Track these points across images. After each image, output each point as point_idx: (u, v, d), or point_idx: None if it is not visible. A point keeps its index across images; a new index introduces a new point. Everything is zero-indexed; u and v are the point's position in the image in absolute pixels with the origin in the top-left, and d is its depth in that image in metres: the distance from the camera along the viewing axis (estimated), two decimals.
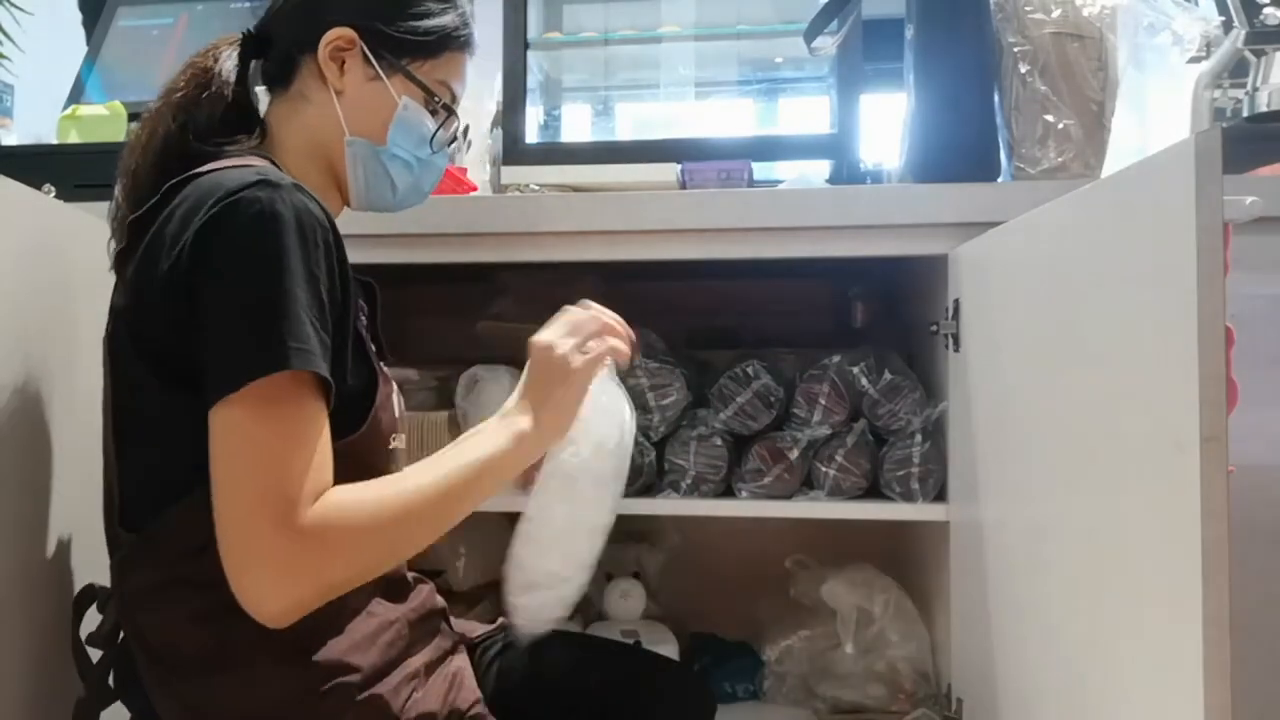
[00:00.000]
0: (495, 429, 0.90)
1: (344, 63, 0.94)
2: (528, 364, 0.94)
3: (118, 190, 0.92)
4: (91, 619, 0.95)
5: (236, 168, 0.84)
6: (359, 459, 0.83)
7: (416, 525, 0.82)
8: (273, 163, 0.90)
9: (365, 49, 0.94)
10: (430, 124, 0.99)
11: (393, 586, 0.92)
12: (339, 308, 0.81)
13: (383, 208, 1.02)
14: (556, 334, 0.94)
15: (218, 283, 0.76)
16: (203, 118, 0.91)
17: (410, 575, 0.95)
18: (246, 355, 0.74)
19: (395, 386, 0.94)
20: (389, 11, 0.95)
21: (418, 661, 0.90)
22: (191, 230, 0.77)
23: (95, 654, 0.93)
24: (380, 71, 0.95)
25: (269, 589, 0.74)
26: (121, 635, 0.90)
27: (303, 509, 0.73)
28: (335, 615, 0.84)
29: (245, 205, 0.76)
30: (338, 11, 0.94)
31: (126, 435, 0.86)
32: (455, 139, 1.05)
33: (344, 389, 0.81)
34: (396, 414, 0.94)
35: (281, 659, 0.81)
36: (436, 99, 0.98)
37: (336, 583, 0.77)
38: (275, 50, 0.97)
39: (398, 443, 0.94)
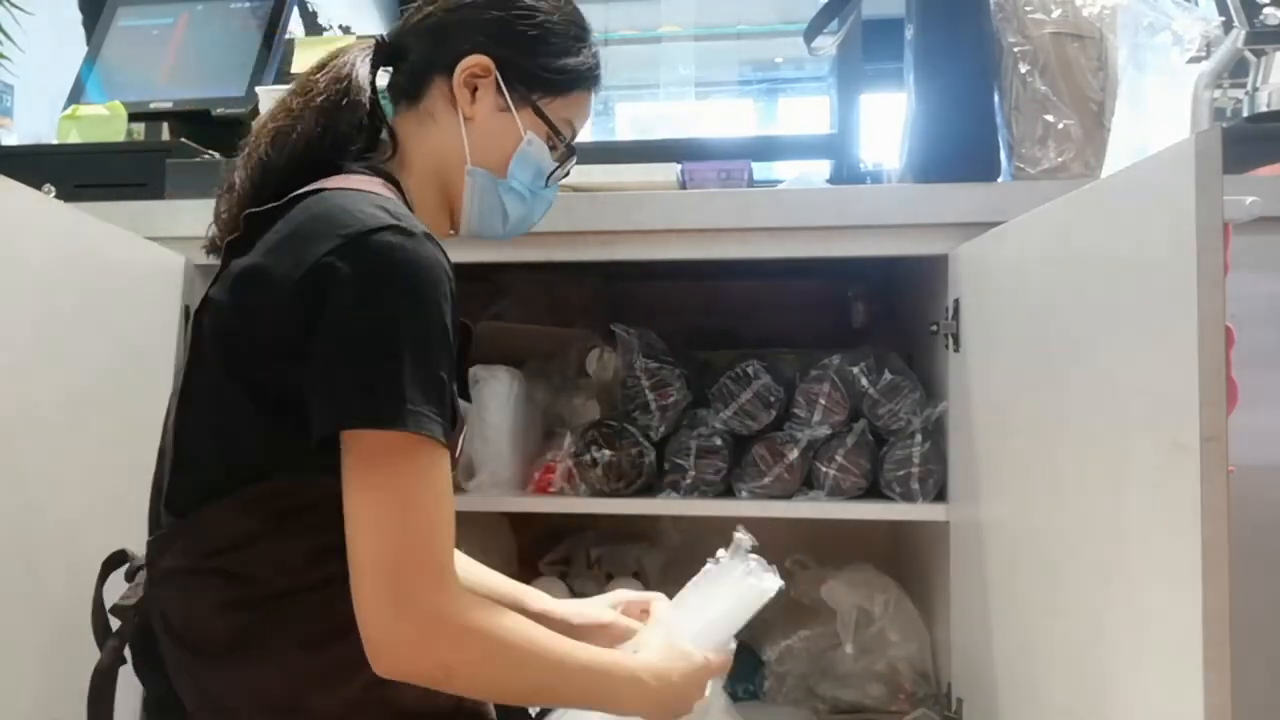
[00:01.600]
0: (632, 662, 0.91)
1: (476, 90, 0.94)
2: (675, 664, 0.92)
3: (239, 176, 0.90)
4: (113, 590, 0.94)
5: (362, 192, 0.84)
6: None
7: (537, 668, 0.82)
8: (395, 182, 0.91)
9: (500, 79, 0.94)
10: (549, 161, 0.99)
11: None
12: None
13: (489, 236, 1.02)
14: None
15: (354, 319, 0.76)
16: (342, 126, 0.91)
17: None
18: (371, 403, 0.75)
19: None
20: (528, 46, 0.95)
21: None
22: (319, 254, 0.77)
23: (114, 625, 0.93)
24: (511, 104, 0.95)
25: (405, 645, 0.76)
26: (145, 613, 0.89)
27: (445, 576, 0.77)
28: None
29: (385, 250, 0.77)
30: (479, 39, 0.94)
31: (188, 420, 0.86)
32: (568, 174, 1.06)
33: None
34: (457, 452, 0.92)
35: (304, 647, 0.81)
36: (561, 137, 0.99)
37: (456, 668, 0.78)
38: (408, 64, 0.97)
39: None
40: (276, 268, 0.80)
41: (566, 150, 1.01)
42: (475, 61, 0.94)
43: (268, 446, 0.81)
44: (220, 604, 0.82)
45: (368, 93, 0.93)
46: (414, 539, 0.76)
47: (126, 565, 0.93)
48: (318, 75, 0.93)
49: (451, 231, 1.02)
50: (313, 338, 0.77)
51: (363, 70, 0.94)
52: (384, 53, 0.97)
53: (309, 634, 0.81)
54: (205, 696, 0.84)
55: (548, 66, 0.96)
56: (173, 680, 0.85)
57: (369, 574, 0.75)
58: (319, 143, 0.90)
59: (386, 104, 0.99)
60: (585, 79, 1.00)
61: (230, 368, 0.82)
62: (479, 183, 0.96)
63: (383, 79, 0.98)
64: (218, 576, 0.82)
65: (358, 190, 0.85)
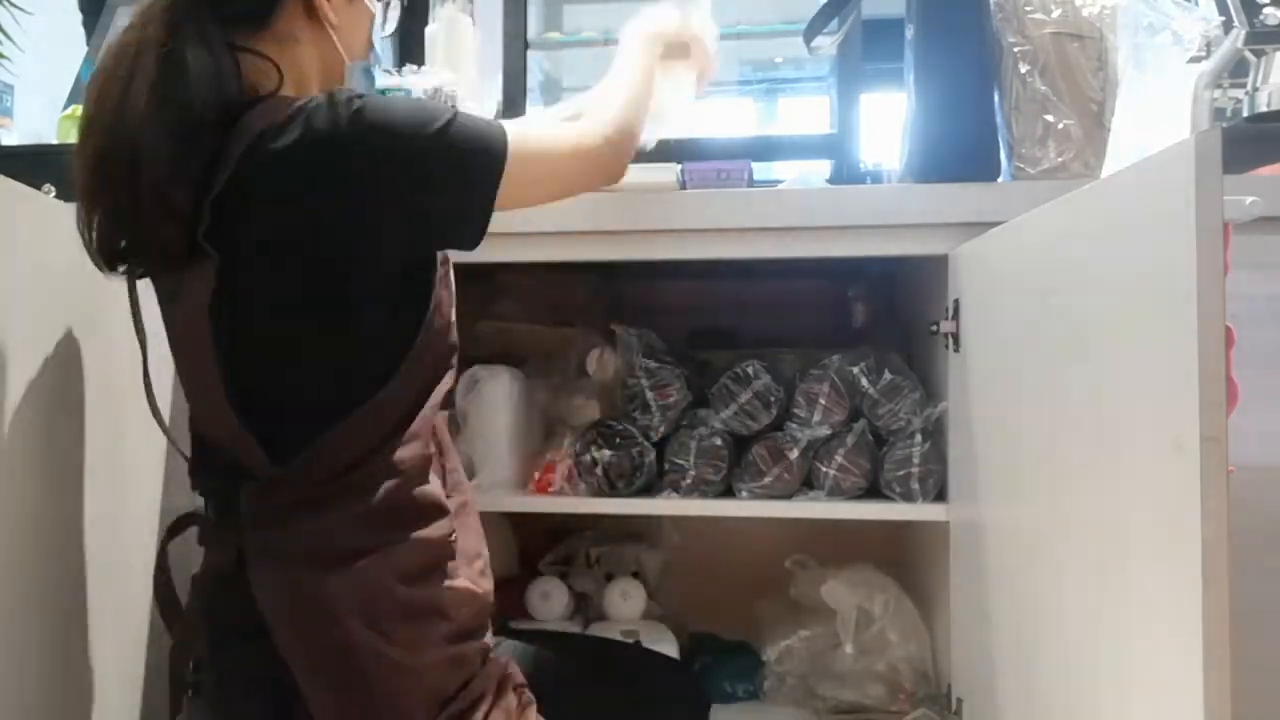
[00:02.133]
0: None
1: None
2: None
3: (177, 189, 0.86)
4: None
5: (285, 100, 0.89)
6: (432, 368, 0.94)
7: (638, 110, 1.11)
8: None
9: None
10: (383, 14, 1.09)
11: (479, 571, 0.98)
12: None
13: None
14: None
15: (404, 148, 0.87)
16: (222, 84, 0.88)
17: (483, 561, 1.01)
18: (485, 156, 0.90)
19: None
20: None
21: (482, 643, 0.96)
22: (316, 137, 0.84)
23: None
24: None
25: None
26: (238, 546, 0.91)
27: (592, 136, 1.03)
28: (445, 577, 0.92)
29: (347, 97, 0.86)
30: None
31: (255, 384, 0.89)
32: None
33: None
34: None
35: (409, 582, 0.88)
36: None
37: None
38: None
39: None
40: (302, 194, 0.85)
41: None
42: None
43: (368, 365, 0.89)
44: (353, 519, 0.87)
45: (217, 53, 0.88)
46: (565, 149, 1.01)
47: (200, 528, 0.96)
48: (144, 48, 0.86)
49: None
50: (386, 197, 0.86)
51: (190, 32, 0.88)
52: None
53: (408, 569, 0.88)
54: (304, 611, 0.86)
55: None
56: (266, 605, 0.87)
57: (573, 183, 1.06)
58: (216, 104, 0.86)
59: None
60: None
61: (328, 309, 0.88)
62: (357, 70, 1.10)
63: None
64: (340, 498, 0.88)
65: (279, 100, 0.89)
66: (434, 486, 0.94)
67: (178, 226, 0.85)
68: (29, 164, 1.44)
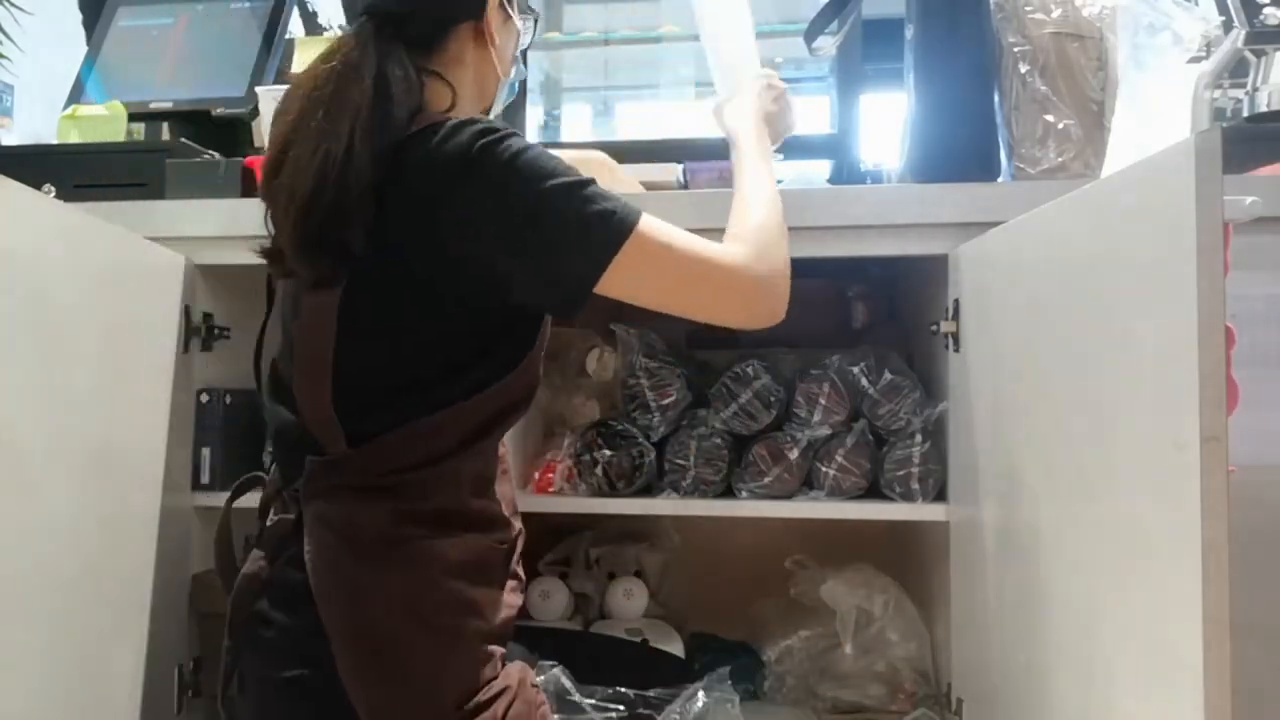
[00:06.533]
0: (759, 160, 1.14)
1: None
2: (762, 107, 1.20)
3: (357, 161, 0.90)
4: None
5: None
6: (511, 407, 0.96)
7: (774, 222, 1.07)
8: None
9: (504, 1, 1.06)
10: (532, 30, 1.15)
11: (511, 589, 0.99)
12: None
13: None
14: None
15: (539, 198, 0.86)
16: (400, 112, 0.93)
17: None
18: (608, 227, 0.87)
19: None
20: None
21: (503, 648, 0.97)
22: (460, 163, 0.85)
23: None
24: (511, 13, 1.07)
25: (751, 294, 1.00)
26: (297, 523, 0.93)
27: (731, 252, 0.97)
28: (489, 583, 0.94)
29: (490, 129, 0.87)
30: None
31: (365, 359, 0.91)
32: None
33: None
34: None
35: (456, 576, 0.90)
36: (532, 11, 1.14)
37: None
38: (419, 24, 0.98)
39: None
40: (421, 209, 0.86)
41: (532, 15, 1.14)
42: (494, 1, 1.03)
43: (455, 375, 0.91)
44: (393, 513, 0.89)
45: (410, 73, 0.94)
46: (701, 255, 0.94)
47: (267, 492, 0.97)
48: (350, 90, 0.91)
49: None
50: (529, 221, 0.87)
51: (387, 54, 0.94)
52: (391, 25, 0.96)
53: (455, 565, 0.90)
54: (349, 589, 0.88)
55: None
56: (312, 577, 0.88)
57: (717, 301, 0.99)
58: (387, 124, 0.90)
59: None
60: None
61: (423, 305, 0.89)
62: (503, 87, 1.09)
63: None
64: (390, 493, 0.90)
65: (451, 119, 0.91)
66: (493, 502, 0.98)
67: (365, 232, 0.88)
68: (29, 164, 1.45)
